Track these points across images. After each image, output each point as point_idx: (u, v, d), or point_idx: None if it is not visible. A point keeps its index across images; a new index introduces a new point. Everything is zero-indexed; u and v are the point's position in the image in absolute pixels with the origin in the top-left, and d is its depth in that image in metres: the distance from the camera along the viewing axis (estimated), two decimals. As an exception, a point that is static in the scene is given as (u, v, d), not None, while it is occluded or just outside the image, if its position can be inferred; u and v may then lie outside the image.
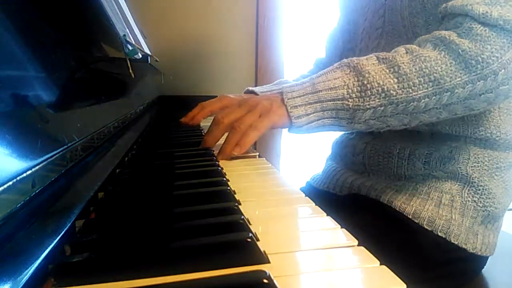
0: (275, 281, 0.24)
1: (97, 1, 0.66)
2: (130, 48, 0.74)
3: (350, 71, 0.60)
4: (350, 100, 0.59)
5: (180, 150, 0.66)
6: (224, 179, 0.48)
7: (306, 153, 1.97)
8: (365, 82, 0.58)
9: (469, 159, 0.68)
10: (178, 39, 1.63)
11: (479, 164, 0.68)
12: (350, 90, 0.59)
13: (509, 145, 0.69)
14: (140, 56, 0.85)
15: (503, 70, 0.55)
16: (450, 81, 0.56)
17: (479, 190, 0.68)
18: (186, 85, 1.63)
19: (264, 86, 0.93)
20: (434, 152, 0.69)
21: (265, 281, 0.23)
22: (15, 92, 0.32)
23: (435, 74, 0.56)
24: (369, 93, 0.58)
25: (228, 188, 0.43)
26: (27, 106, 0.33)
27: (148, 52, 1.02)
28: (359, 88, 0.59)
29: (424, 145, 0.70)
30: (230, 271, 0.26)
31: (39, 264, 0.24)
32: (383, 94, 0.58)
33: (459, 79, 0.56)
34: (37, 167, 0.29)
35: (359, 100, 0.59)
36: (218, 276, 0.25)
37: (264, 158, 0.66)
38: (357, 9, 0.85)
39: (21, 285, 0.22)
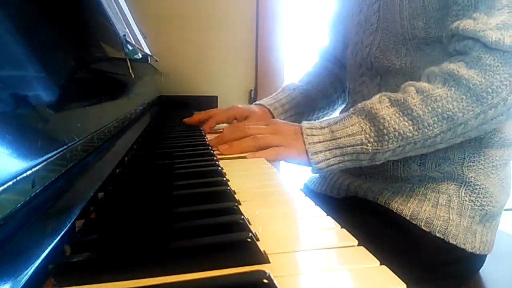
0: (275, 281, 0.24)
1: (97, 1, 0.66)
2: (130, 48, 0.74)
3: (366, 115, 0.63)
4: (369, 144, 0.62)
5: (180, 150, 0.66)
6: (224, 179, 0.48)
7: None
8: (381, 127, 0.61)
9: (464, 158, 0.68)
10: (178, 39, 1.63)
11: (474, 163, 0.68)
12: (368, 135, 0.62)
13: (504, 143, 0.69)
14: (140, 56, 0.85)
15: None
16: (463, 116, 0.58)
17: (476, 189, 0.68)
18: (186, 85, 1.63)
19: (270, 97, 0.94)
20: (429, 153, 0.69)
21: (265, 281, 0.23)
22: (15, 92, 0.32)
23: (448, 112, 0.58)
24: (387, 138, 0.61)
25: (228, 188, 0.43)
26: (27, 106, 0.33)
27: (148, 52, 1.02)
28: (376, 133, 0.61)
29: None
30: (230, 271, 0.26)
31: (39, 264, 0.24)
32: (400, 137, 0.60)
33: (472, 112, 0.57)
34: (37, 167, 0.29)
35: (377, 144, 0.61)
36: (218, 276, 0.25)
37: (264, 158, 0.66)
38: (350, 28, 0.84)
39: (21, 285, 0.22)
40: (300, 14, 1.82)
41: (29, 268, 0.23)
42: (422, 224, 0.66)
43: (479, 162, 0.68)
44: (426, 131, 0.59)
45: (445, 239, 0.66)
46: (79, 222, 0.33)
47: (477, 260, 0.72)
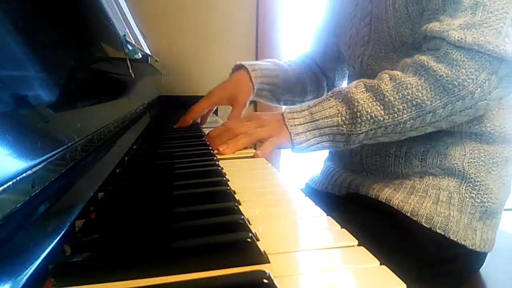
0: (275, 281, 0.24)
1: (97, 1, 0.66)
2: (130, 48, 0.74)
3: (342, 99, 0.67)
4: (344, 126, 0.66)
5: (180, 150, 0.66)
6: (224, 179, 0.48)
7: (304, 156, 1.96)
8: (355, 110, 0.65)
9: (465, 155, 0.68)
10: (178, 39, 1.63)
11: (475, 160, 0.68)
12: (343, 118, 0.66)
13: (505, 139, 0.70)
14: (140, 56, 0.85)
15: (479, 89, 0.59)
16: (431, 104, 0.61)
17: (477, 186, 0.68)
18: (186, 85, 1.63)
19: (254, 62, 0.97)
20: (430, 149, 0.70)
21: (265, 281, 0.23)
22: (15, 92, 0.32)
23: (416, 100, 0.62)
24: (360, 120, 0.65)
25: (228, 188, 0.43)
26: (27, 106, 0.33)
27: (148, 52, 1.02)
28: (350, 116, 0.66)
29: (420, 142, 0.70)
30: (230, 271, 0.26)
31: (39, 264, 0.24)
32: (371, 120, 0.64)
33: (439, 101, 0.61)
34: (37, 167, 0.29)
35: (351, 126, 0.66)
36: (218, 276, 0.25)
37: (264, 158, 0.66)
38: (344, 14, 0.86)
39: (21, 285, 0.22)
40: (300, 14, 1.82)
41: (29, 268, 0.23)
42: (423, 220, 0.67)
43: (479, 158, 0.68)
44: (396, 116, 0.63)
45: (446, 235, 0.66)
46: (79, 222, 0.33)
47: (477, 258, 0.72)
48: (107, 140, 0.53)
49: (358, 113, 0.64)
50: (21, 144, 0.28)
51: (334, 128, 0.67)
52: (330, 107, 0.67)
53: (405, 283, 0.25)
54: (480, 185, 0.68)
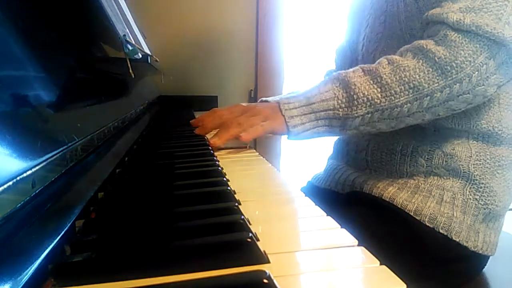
0: (275, 281, 0.24)
1: (97, 1, 0.66)
2: (130, 48, 0.74)
3: (340, 83, 0.66)
4: (340, 110, 0.66)
5: (180, 150, 0.66)
6: (224, 179, 0.48)
7: (306, 153, 1.97)
8: (352, 93, 0.65)
9: (471, 156, 0.68)
10: (178, 39, 1.63)
11: (481, 162, 0.68)
12: (340, 101, 0.66)
13: (511, 142, 0.69)
14: (140, 56, 0.85)
15: (476, 73, 0.59)
16: (428, 87, 0.61)
17: (481, 188, 0.68)
18: (186, 85, 1.63)
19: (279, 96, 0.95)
20: (436, 149, 0.69)
21: (265, 281, 0.23)
22: (15, 92, 0.32)
23: (414, 82, 0.62)
24: (356, 103, 0.64)
25: (228, 188, 0.43)
26: (27, 106, 0.33)
27: (148, 52, 1.02)
28: (347, 99, 0.65)
29: (427, 142, 0.70)
30: (230, 271, 0.26)
31: (39, 264, 0.24)
32: (368, 103, 0.64)
33: (437, 84, 0.61)
34: (37, 167, 0.29)
35: (348, 110, 0.65)
36: (218, 276, 0.25)
37: (264, 158, 0.66)
38: (360, 18, 0.86)
39: (21, 285, 0.22)
40: (300, 14, 1.82)
41: (29, 268, 0.23)
42: (426, 220, 0.67)
43: (485, 161, 0.68)
44: (393, 99, 0.63)
45: (448, 235, 0.66)
46: (79, 222, 0.33)
47: (479, 260, 0.72)
48: (107, 140, 0.53)
49: (355, 95, 0.64)
50: (21, 144, 0.28)
51: (330, 112, 0.66)
52: (326, 91, 0.67)
53: (406, 282, 0.25)
54: (484, 187, 0.68)
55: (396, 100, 0.62)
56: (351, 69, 0.67)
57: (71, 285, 0.25)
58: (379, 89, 0.63)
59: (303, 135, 0.68)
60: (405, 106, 0.62)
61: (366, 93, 0.64)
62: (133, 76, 0.74)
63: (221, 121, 0.72)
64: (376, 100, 0.63)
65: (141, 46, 0.91)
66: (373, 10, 0.80)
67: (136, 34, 0.98)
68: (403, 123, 0.65)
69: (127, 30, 0.81)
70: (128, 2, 1.09)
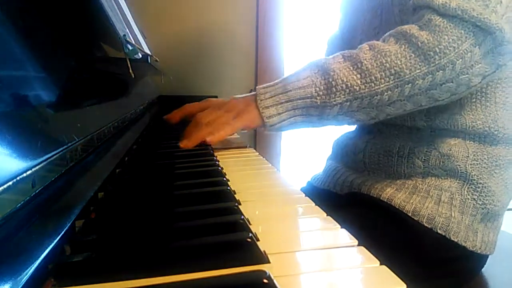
0: (275, 281, 0.24)
1: (97, 1, 0.66)
2: (130, 48, 0.74)
3: (318, 70, 0.63)
4: (318, 97, 0.62)
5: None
6: (224, 179, 0.48)
7: (306, 153, 1.97)
8: (330, 80, 0.62)
9: (468, 156, 0.68)
10: (178, 39, 1.63)
11: (478, 162, 0.68)
12: (317, 88, 0.62)
13: (508, 141, 0.69)
14: (140, 56, 0.85)
15: (460, 60, 0.57)
16: (410, 73, 0.58)
17: (479, 188, 0.68)
18: (186, 85, 1.63)
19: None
20: (433, 150, 0.69)
21: (265, 281, 0.23)
22: (15, 92, 0.32)
23: (395, 68, 0.59)
24: (335, 90, 0.61)
25: (228, 188, 0.43)
26: (27, 106, 0.33)
27: (148, 52, 1.02)
28: (325, 86, 0.62)
29: (423, 143, 0.70)
30: (230, 271, 0.26)
31: (39, 264, 0.24)
32: (347, 90, 0.61)
33: (419, 70, 0.58)
34: (37, 167, 0.29)
35: (326, 97, 0.62)
36: (218, 276, 0.25)
37: (264, 158, 0.66)
38: (356, 10, 0.85)
39: (21, 285, 0.22)
40: (300, 14, 1.82)
41: (29, 268, 0.23)
42: (424, 220, 0.67)
43: (482, 160, 0.68)
44: (373, 85, 0.60)
45: (447, 236, 0.66)
46: (79, 222, 0.33)
47: (478, 260, 0.72)
48: (107, 140, 0.53)
49: (334, 82, 0.61)
50: (21, 144, 0.28)
51: (307, 100, 0.63)
52: (304, 78, 0.64)
53: (405, 283, 0.25)
54: (482, 187, 0.68)
55: (376, 87, 0.60)
56: (331, 56, 0.65)
57: (71, 285, 0.25)
58: (358, 75, 0.61)
59: (278, 125, 0.65)
60: (386, 93, 0.60)
61: (345, 80, 0.61)
62: (133, 76, 0.74)
63: (194, 120, 0.70)
64: (355, 87, 0.61)
65: (141, 46, 0.91)
66: (368, 4, 0.79)
67: (136, 34, 0.98)
68: (384, 113, 0.63)
69: (127, 30, 0.81)
70: (128, 2, 1.09)
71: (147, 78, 1.15)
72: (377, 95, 0.60)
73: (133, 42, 0.75)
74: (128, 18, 0.96)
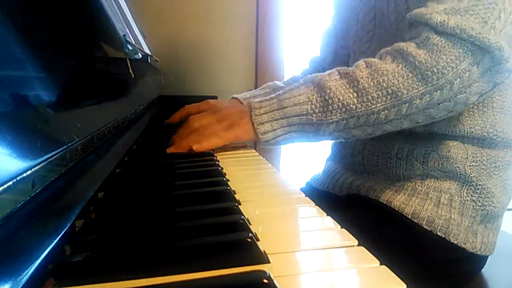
0: (275, 281, 0.24)
1: (97, 1, 0.66)
2: (130, 48, 0.74)
3: (314, 87, 0.63)
4: (314, 115, 0.62)
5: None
6: (224, 179, 0.48)
7: (306, 154, 1.97)
8: (327, 97, 0.61)
9: (467, 158, 0.68)
10: (178, 39, 1.63)
11: (477, 163, 0.68)
12: (313, 106, 0.62)
13: (507, 144, 0.69)
14: (140, 56, 0.85)
15: (458, 80, 0.56)
16: (407, 93, 0.58)
17: (478, 189, 0.68)
18: (186, 85, 1.63)
19: (249, 92, 0.93)
20: (432, 152, 0.69)
21: (265, 281, 0.23)
22: (15, 92, 0.32)
23: (392, 87, 0.58)
24: (331, 108, 0.61)
25: (228, 188, 0.43)
26: (27, 106, 0.33)
27: (148, 52, 1.02)
28: (321, 104, 0.61)
29: (421, 145, 0.70)
30: (230, 271, 0.26)
31: (39, 264, 0.24)
32: (343, 109, 0.60)
33: (416, 90, 0.57)
34: (37, 167, 0.29)
35: (322, 115, 0.61)
36: (218, 276, 0.25)
37: (264, 158, 0.66)
38: (349, 9, 0.85)
39: (21, 285, 0.22)
40: (300, 14, 1.82)
41: (29, 268, 0.23)
42: (424, 222, 0.67)
43: (481, 162, 0.68)
44: (370, 104, 0.59)
45: (446, 238, 0.66)
46: (79, 222, 0.33)
47: (478, 261, 0.72)
48: (107, 140, 0.53)
49: (330, 100, 0.61)
50: (21, 144, 0.28)
51: (303, 117, 0.62)
52: (300, 94, 0.63)
53: (405, 283, 0.25)
54: (481, 188, 0.68)
55: (373, 106, 0.59)
56: (327, 72, 0.64)
57: (71, 285, 0.25)
58: (355, 94, 0.60)
59: (274, 141, 0.65)
60: (382, 113, 0.59)
61: (341, 98, 0.60)
62: (133, 76, 0.74)
63: (186, 122, 0.69)
64: (351, 105, 0.60)
65: (141, 46, 0.91)
66: (362, 3, 0.79)
67: (136, 34, 0.98)
68: (380, 130, 0.62)
69: (127, 30, 0.81)
70: (128, 2, 1.09)
71: (147, 78, 1.15)
72: (373, 114, 0.60)
73: (133, 42, 0.75)
74: (128, 18, 0.96)
